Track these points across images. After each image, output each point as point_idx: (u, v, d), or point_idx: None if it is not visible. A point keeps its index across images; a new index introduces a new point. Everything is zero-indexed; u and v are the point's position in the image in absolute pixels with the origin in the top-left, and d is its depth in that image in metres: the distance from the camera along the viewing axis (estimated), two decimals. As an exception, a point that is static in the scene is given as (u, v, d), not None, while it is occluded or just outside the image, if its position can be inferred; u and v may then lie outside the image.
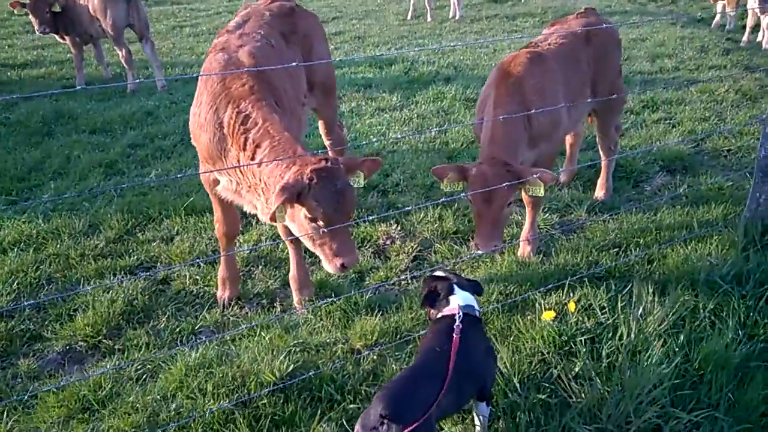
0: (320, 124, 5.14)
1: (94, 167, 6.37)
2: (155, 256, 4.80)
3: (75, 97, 8.77)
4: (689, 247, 4.36)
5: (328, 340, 3.73)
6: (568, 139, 5.65)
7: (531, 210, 4.55)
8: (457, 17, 14.61)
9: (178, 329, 3.96)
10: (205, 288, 4.40)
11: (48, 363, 3.77)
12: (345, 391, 3.33)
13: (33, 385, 3.50)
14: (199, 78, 3.83)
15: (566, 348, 3.49)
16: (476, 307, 3.11)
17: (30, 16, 8.86)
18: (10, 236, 4.97)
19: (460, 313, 2.94)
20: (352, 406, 3.25)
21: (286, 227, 3.65)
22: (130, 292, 4.27)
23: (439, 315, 3.07)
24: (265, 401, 3.24)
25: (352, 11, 16.03)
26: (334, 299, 4.02)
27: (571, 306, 3.77)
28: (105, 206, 5.52)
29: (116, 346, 3.84)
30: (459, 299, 3.06)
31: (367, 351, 3.61)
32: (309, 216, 3.25)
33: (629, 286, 3.88)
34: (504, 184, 3.72)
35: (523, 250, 4.59)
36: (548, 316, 3.60)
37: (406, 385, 2.66)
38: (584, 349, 3.37)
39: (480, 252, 3.85)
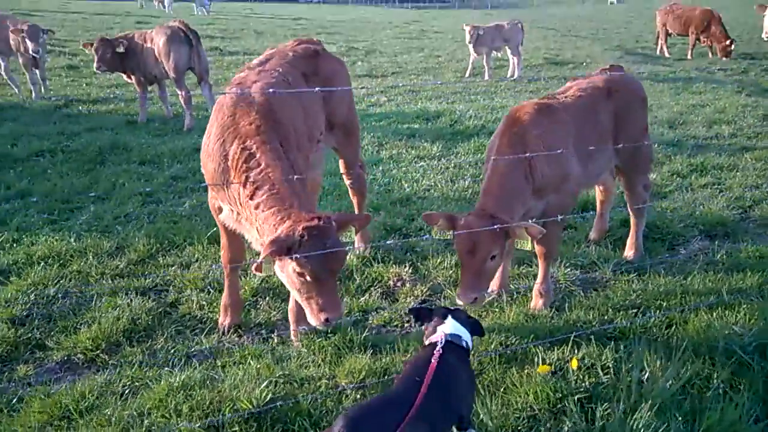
0: (341, 163, 5.20)
1: (135, 195, 6.63)
2: (170, 280, 4.89)
3: (134, 131, 9.26)
4: (714, 314, 4.06)
5: (314, 375, 3.65)
6: (598, 195, 5.50)
7: (543, 261, 4.38)
8: (515, 77, 14.72)
9: (173, 350, 3.98)
10: (209, 314, 4.43)
11: (46, 371, 3.85)
12: (320, 427, 3.22)
13: (22, 390, 3.56)
14: (213, 110, 3.98)
15: (559, 406, 3.27)
16: (467, 339, 3.04)
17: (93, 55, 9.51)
18: (41, 251, 5.19)
19: (443, 340, 2.91)
20: (324, 443, 3.14)
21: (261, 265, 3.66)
22: (136, 311, 4.35)
23: (426, 342, 3.05)
24: (237, 428, 3.17)
25: (412, 67, 16.42)
26: (329, 335, 3.96)
27: (574, 363, 3.56)
28: (135, 231, 5.71)
29: (111, 361, 3.89)
30: (447, 328, 3.02)
31: (351, 388, 3.50)
32: (297, 270, 3.31)
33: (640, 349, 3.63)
34: (488, 235, 3.64)
35: (535, 302, 4.40)
36: (543, 369, 3.41)
37: (372, 407, 2.64)
38: (575, 409, 3.14)
39: (460, 302, 3.72)
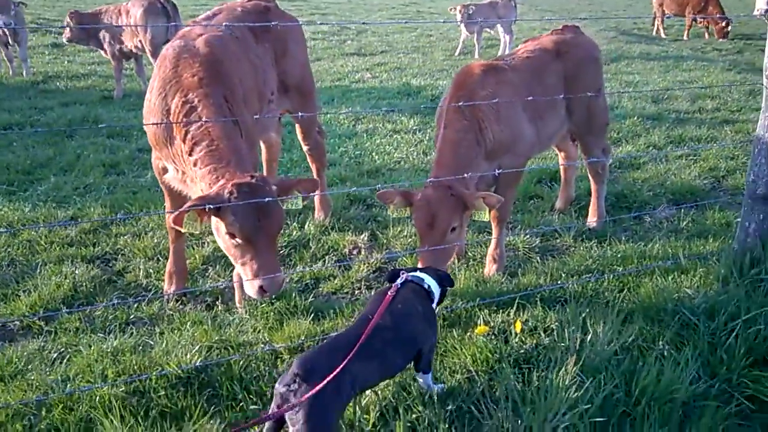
0: (297, 127, 5.05)
1: (98, 166, 6.52)
2: (120, 249, 4.78)
3: (107, 106, 9.13)
4: (669, 278, 3.94)
5: (252, 340, 3.54)
6: (561, 162, 5.36)
7: (496, 226, 4.26)
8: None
9: (112, 317, 3.88)
10: (156, 282, 4.32)
11: (-21, 338, 3.76)
12: (250, 391, 3.12)
13: (-51, 356, 3.47)
14: (155, 64, 3.83)
15: (496, 368, 3.16)
16: (430, 284, 3.02)
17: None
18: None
19: (404, 279, 2.92)
20: (252, 407, 3.03)
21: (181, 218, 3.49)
22: (80, 279, 4.24)
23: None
24: (163, 393, 3.07)
25: (401, 46, 16.16)
26: (273, 301, 3.85)
27: (517, 326, 3.46)
28: (92, 201, 5.60)
29: (47, 328, 3.78)
30: (410, 274, 3.01)
31: (287, 350, 3.40)
32: (227, 231, 3.15)
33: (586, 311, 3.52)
34: (446, 207, 3.54)
35: (489, 268, 4.29)
36: (481, 330, 3.32)
37: (325, 347, 2.64)
38: (510, 370, 3.03)
39: None
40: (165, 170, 3.86)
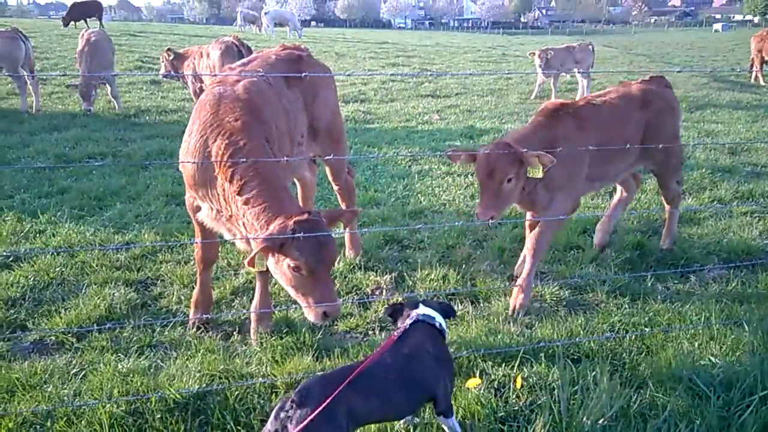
0: (327, 169, 5.19)
1: (162, 196, 6.95)
2: (161, 275, 5.06)
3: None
4: (695, 344, 3.69)
5: (255, 372, 3.64)
6: (615, 195, 5.70)
7: (531, 257, 4.47)
8: (581, 100, 14.23)
9: (135, 339, 4.10)
10: (185, 309, 4.54)
11: (19, 349, 4.07)
12: (239, 423, 3.20)
13: (-13, 365, 3.79)
14: (194, 108, 4.09)
15: (488, 421, 3.07)
16: (440, 321, 3.04)
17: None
18: (55, 241, 5.55)
19: (413, 318, 2.96)
20: (240, 438, 3.12)
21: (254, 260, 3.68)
22: (117, 301, 4.53)
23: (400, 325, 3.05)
24: (159, 416, 3.21)
25: (478, 89, 16.27)
26: (283, 335, 3.95)
27: (518, 382, 3.35)
28: (149, 229, 5.98)
29: (77, 345, 4.05)
30: (419, 311, 3.05)
31: (284, 386, 3.46)
32: (292, 266, 3.33)
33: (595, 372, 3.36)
34: (504, 159, 4.06)
35: (514, 300, 4.37)
36: (473, 383, 3.23)
37: (325, 378, 2.68)
38: (496, 427, 2.93)
39: (478, 221, 4.21)
40: (198, 208, 4.08)
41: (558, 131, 4.45)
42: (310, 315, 3.39)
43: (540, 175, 4.10)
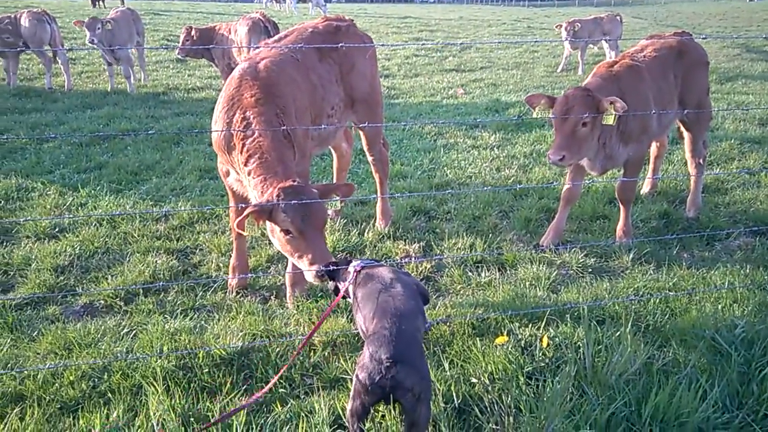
0: (363, 139, 5.33)
1: (195, 171, 7.18)
2: (200, 245, 5.29)
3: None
4: (719, 306, 3.79)
5: (293, 332, 3.84)
6: (653, 150, 5.96)
7: (623, 207, 5.01)
8: (608, 72, 14.08)
9: (180, 302, 4.33)
10: (224, 275, 4.76)
11: (71, 312, 4.33)
12: (282, 377, 3.41)
13: (44, 326, 4.05)
14: (225, 82, 4.31)
15: (512, 377, 3.23)
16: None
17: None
18: (97, 214, 5.80)
19: (358, 266, 3.18)
20: (281, 390, 3.33)
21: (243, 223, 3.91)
22: (158, 268, 4.77)
23: (348, 280, 3.19)
24: (207, 370, 3.44)
25: (504, 62, 16.18)
26: (318, 298, 4.16)
27: (544, 341, 3.49)
28: (184, 201, 6.21)
29: (125, 308, 4.30)
30: (354, 263, 3.24)
31: (320, 345, 3.66)
32: (282, 229, 3.56)
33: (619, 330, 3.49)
34: (581, 102, 4.31)
35: (620, 235, 5.02)
36: (501, 340, 3.38)
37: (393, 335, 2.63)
38: (522, 380, 3.10)
39: (549, 161, 4.38)
40: (228, 173, 4.32)
41: (621, 84, 4.68)
42: (308, 275, 3.59)
43: (612, 122, 4.32)
